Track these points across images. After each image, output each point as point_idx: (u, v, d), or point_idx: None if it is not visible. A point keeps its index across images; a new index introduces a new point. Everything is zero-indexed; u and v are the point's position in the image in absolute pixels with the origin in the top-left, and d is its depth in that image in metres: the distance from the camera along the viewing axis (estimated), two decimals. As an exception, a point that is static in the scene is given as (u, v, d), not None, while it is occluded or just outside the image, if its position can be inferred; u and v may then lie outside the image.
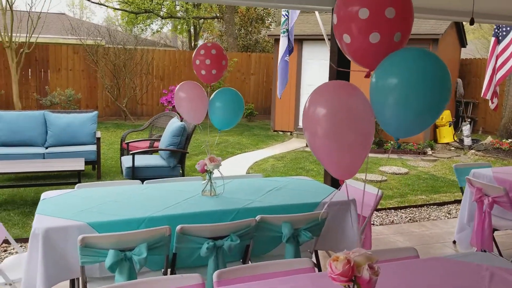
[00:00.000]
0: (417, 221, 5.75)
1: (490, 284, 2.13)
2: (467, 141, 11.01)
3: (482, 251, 4.50)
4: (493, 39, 7.90)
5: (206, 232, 2.81)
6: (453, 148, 11.23)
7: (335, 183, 4.30)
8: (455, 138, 11.52)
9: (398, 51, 1.59)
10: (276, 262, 2.39)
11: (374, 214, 5.95)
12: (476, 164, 4.97)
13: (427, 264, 2.37)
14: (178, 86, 3.40)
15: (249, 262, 3.12)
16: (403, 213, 6.05)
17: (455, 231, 4.72)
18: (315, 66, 12.11)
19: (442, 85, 1.54)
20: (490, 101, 7.91)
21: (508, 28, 7.63)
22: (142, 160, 6.16)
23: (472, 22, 3.03)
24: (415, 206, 6.32)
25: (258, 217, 2.95)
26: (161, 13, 21.67)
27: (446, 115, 11.48)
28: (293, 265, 2.38)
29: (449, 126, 11.43)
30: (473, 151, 10.63)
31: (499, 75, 7.71)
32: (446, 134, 11.50)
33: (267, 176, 5.72)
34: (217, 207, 3.13)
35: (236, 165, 8.68)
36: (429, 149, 10.78)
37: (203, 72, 3.19)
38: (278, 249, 3.25)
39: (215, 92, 3.33)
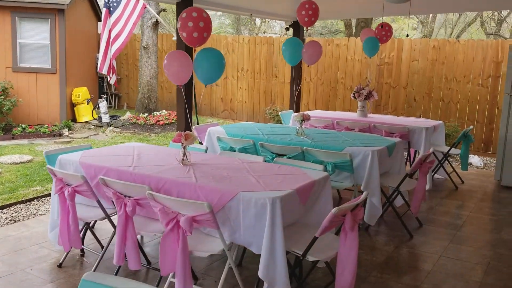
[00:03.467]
0: (20, 220, 4.86)
1: None
2: (105, 118, 10.76)
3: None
4: (104, 10, 7.52)
5: None
6: (93, 126, 10.79)
7: None
8: (95, 116, 11.10)
9: None
10: None
11: (-38, 223, 4.71)
12: (74, 147, 4.38)
13: None
14: None
15: None
16: (5, 213, 5.04)
17: (48, 229, 4.06)
18: None
19: None
20: (108, 76, 7.61)
21: (119, -1, 7.40)
22: None
23: None
24: (23, 202, 5.40)
25: None
26: None
27: (83, 93, 10.89)
28: None
29: (87, 104, 10.90)
30: (111, 128, 10.45)
31: (114, 48, 7.45)
32: (85, 112, 10.94)
33: None
34: None
35: None
36: (67, 129, 10.00)
37: None
38: None
39: None
